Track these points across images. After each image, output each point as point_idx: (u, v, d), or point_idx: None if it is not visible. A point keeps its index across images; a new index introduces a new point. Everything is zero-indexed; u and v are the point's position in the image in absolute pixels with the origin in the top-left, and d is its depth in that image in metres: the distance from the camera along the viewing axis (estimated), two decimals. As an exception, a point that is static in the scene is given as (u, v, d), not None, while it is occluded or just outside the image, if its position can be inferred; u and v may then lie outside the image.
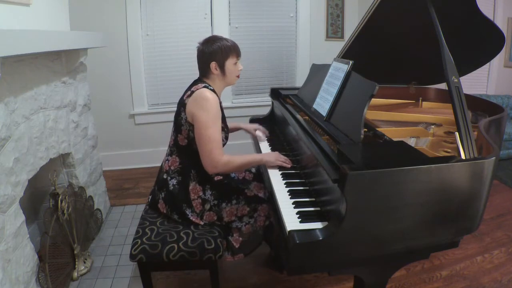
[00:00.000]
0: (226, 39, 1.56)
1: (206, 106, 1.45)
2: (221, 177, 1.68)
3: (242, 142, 2.31)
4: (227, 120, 1.66)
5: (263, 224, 1.60)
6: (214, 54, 1.52)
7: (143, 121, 3.50)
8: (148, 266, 1.48)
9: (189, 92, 1.52)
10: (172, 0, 3.33)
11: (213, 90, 1.53)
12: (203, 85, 1.52)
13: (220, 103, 1.57)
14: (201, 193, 1.56)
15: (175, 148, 1.59)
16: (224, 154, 1.50)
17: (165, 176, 1.59)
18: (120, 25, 3.24)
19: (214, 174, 1.63)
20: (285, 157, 1.65)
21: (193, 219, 1.54)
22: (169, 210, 1.58)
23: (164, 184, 1.58)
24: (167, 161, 1.61)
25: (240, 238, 1.57)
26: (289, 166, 1.62)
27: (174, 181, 1.56)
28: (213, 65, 1.54)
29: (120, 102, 3.43)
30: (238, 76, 1.63)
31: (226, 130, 1.62)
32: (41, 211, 2.02)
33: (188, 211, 1.54)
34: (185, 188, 1.55)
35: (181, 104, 1.53)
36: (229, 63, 1.56)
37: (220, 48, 1.52)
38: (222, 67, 1.55)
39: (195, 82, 1.59)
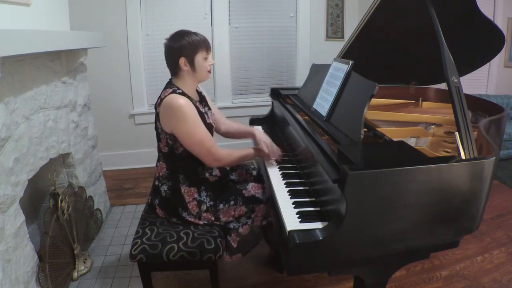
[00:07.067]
0: (195, 33, 1.48)
1: (182, 115, 1.40)
2: (217, 178, 1.65)
3: (242, 142, 2.32)
4: (227, 119, 1.64)
5: (260, 224, 1.59)
6: (182, 49, 1.45)
7: (143, 121, 3.50)
8: (148, 266, 1.48)
9: (159, 100, 1.48)
10: (172, 0, 3.33)
11: (183, 93, 1.47)
12: (171, 89, 1.46)
13: (195, 103, 1.51)
14: (196, 195, 1.54)
15: (161, 154, 1.57)
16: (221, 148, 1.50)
17: (156, 183, 1.59)
18: (120, 25, 3.24)
19: (208, 175, 1.60)
20: (276, 147, 1.68)
21: (192, 220, 1.54)
22: (166, 215, 1.58)
23: (157, 191, 1.58)
24: (156, 167, 1.60)
25: (238, 238, 1.57)
26: (278, 156, 1.66)
27: (165, 187, 1.55)
28: (182, 61, 1.46)
29: (120, 102, 3.43)
30: (209, 72, 1.55)
31: (208, 128, 1.55)
32: (41, 211, 2.02)
33: (184, 214, 1.54)
34: (177, 192, 1.53)
35: (156, 112, 1.50)
36: (199, 58, 1.48)
37: (189, 43, 1.45)
38: (192, 63, 1.48)
39: (166, 86, 1.53)
